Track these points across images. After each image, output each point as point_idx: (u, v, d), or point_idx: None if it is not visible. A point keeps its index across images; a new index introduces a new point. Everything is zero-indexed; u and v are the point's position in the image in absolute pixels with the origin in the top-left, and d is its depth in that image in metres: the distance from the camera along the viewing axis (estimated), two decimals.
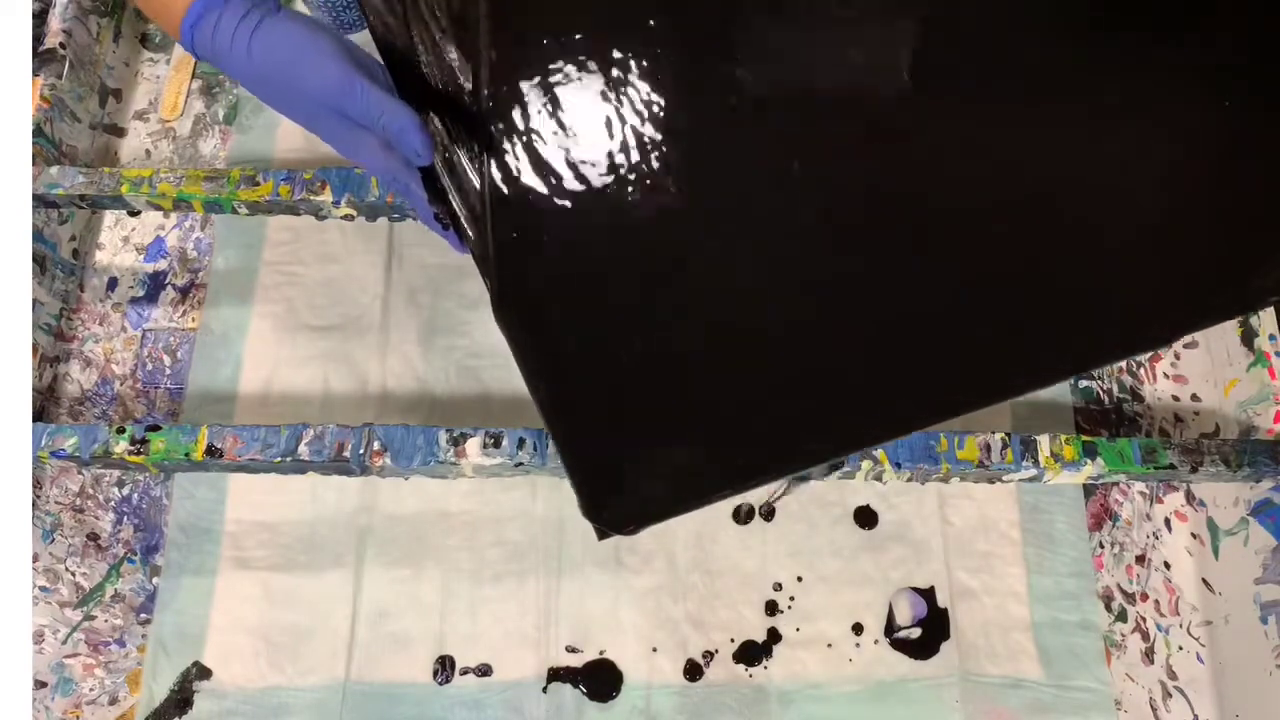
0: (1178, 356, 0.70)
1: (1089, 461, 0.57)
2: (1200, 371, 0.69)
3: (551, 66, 0.51)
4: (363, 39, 0.80)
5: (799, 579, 0.64)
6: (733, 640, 0.62)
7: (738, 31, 0.52)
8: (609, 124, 0.51)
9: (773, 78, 0.52)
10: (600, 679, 0.61)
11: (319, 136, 0.49)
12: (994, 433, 0.57)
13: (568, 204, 0.50)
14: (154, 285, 0.72)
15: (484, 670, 0.62)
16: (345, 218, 0.63)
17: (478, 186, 0.50)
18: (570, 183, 0.51)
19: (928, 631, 0.62)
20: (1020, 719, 0.61)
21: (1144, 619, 0.64)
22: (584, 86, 0.51)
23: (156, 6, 0.48)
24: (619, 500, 0.49)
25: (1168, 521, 0.66)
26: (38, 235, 0.68)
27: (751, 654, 0.62)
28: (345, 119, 0.47)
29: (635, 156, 0.51)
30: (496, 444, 0.56)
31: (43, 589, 0.64)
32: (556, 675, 0.61)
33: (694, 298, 0.51)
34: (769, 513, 0.65)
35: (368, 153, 0.48)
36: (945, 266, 0.51)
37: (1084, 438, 0.57)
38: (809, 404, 0.49)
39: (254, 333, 0.70)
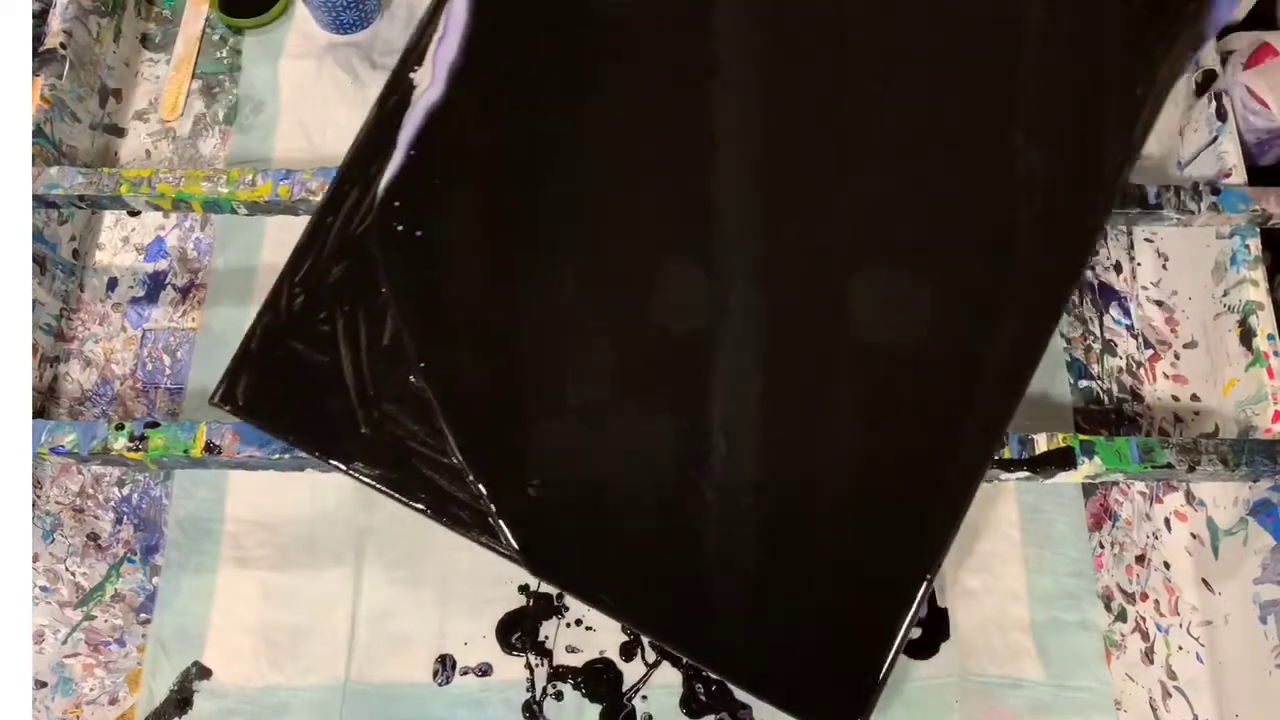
0: (1177, 356, 0.70)
1: (1086, 460, 0.57)
2: (1200, 371, 0.69)
3: None
4: (362, 39, 0.80)
5: None
6: None
7: None
8: None
9: None
10: (600, 679, 0.61)
11: None
12: None
13: None
14: (154, 285, 0.73)
15: (484, 670, 0.62)
16: None
17: None
18: None
19: (927, 631, 0.62)
20: (1020, 719, 0.61)
21: (1144, 619, 0.64)
22: None
23: None
24: None
25: (1167, 521, 0.66)
26: (38, 235, 0.68)
27: None
28: None
29: None
30: None
31: (43, 589, 0.64)
32: (556, 675, 0.61)
33: None
34: None
35: None
36: None
37: (1081, 437, 0.57)
38: None
39: None
